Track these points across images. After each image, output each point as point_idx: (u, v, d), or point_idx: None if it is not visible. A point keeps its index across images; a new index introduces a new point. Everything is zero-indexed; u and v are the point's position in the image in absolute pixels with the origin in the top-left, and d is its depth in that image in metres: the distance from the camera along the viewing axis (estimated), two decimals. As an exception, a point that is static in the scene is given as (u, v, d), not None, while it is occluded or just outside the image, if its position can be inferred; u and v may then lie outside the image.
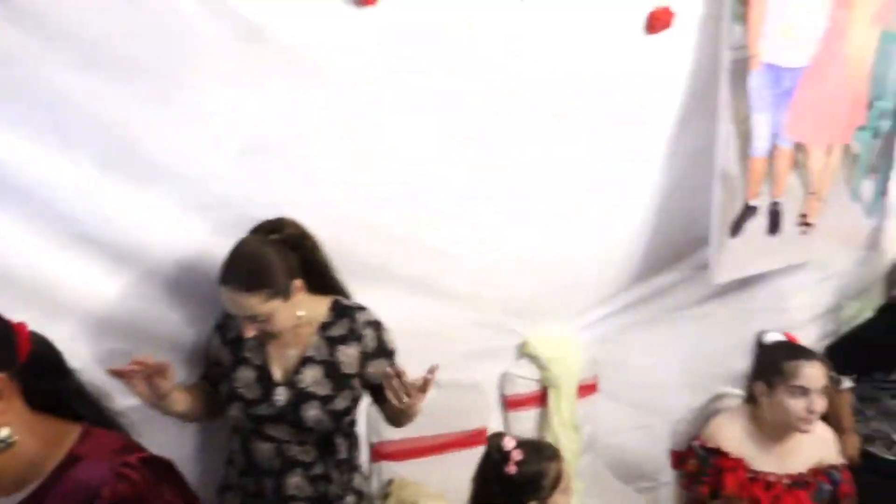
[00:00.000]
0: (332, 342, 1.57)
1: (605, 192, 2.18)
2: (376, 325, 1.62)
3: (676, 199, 2.29)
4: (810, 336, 2.69)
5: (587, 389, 2.44)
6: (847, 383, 2.19)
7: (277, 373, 1.57)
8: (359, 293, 1.69)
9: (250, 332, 1.48)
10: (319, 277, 1.59)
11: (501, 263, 2.10)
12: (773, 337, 1.94)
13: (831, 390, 2.08)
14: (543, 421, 2.37)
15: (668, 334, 2.49)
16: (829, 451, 1.91)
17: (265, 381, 1.56)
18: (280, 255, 1.47)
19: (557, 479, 1.56)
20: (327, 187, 1.70)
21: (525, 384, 2.34)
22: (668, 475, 2.34)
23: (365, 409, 2.07)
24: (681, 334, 2.51)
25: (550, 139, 2.01)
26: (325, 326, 1.58)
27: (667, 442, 2.22)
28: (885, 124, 2.59)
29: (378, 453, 2.14)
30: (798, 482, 1.85)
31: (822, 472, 1.87)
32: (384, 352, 1.62)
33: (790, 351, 1.89)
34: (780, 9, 2.14)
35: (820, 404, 1.79)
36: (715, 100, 2.12)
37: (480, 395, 2.25)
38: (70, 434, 1.00)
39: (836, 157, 2.47)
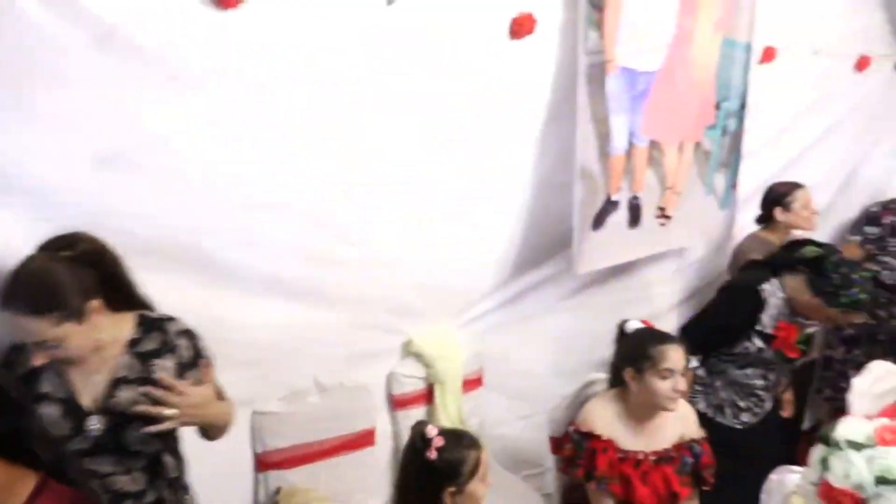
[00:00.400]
0: (145, 357, 1.47)
1: (479, 191, 2.26)
2: (190, 335, 1.53)
3: (545, 197, 2.40)
4: (672, 322, 2.91)
5: (472, 384, 2.51)
6: (693, 363, 2.33)
7: (86, 401, 1.43)
8: (231, 302, 1.67)
9: (39, 360, 1.35)
10: (121, 294, 1.47)
11: (381, 265, 2.13)
12: (633, 325, 2.07)
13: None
14: (431, 417, 2.41)
15: (543, 327, 2.61)
16: (690, 426, 2.05)
17: (74, 414, 1.41)
18: (72, 273, 1.34)
19: (476, 466, 1.66)
20: (192, 195, 1.67)
21: (411, 383, 2.37)
22: (551, 461, 2.46)
23: (248, 419, 2.05)
24: (554, 326, 2.64)
25: (424, 141, 2.07)
26: (133, 343, 1.47)
27: (547, 429, 2.32)
28: (732, 123, 2.84)
29: (263, 463, 2.11)
30: (663, 457, 1.97)
31: (684, 447, 2.01)
32: (200, 361, 1.53)
33: (655, 337, 2.01)
34: (631, 16, 2.30)
35: (683, 383, 1.93)
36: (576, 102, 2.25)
37: (367, 396, 2.26)
38: (26, 485, 0.90)
39: (688, 153, 2.69)
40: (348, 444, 2.22)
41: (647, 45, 2.39)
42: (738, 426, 2.39)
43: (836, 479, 1.24)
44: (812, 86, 3.24)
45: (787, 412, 2.64)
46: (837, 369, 3.43)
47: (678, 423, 2.02)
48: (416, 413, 2.41)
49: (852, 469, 1.22)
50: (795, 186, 2.90)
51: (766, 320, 2.24)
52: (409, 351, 2.36)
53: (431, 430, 1.66)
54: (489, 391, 2.57)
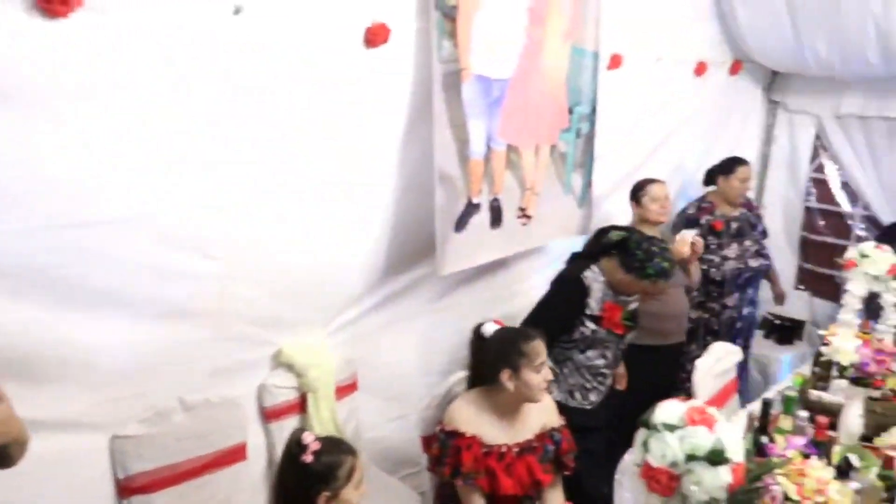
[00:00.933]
0: None
1: (343, 198, 2.27)
2: None
3: (409, 201, 2.45)
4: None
5: (346, 390, 2.53)
6: None
7: None
8: (75, 324, 1.59)
9: None
10: None
11: (244, 276, 2.09)
12: (490, 327, 2.16)
13: None
14: (305, 426, 2.40)
15: (413, 329, 2.67)
16: (551, 416, 2.17)
17: None
18: None
19: (351, 472, 1.72)
20: (26, 214, 1.57)
21: (283, 393, 2.35)
22: (426, 460, 2.50)
23: (108, 444, 1.96)
24: (424, 327, 2.71)
25: (285, 150, 2.06)
26: None
27: (419, 429, 2.37)
28: (585, 126, 3.02)
29: (126, 489, 2.02)
30: (526, 448, 2.07)
31: (546, 436, 2.12)
32: None
33: (523, 335, 2.11)
34: (483, 26, 2.40)
35: (549, 373, 2.05)
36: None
37: (236, 410, 2.22)
38: None
39: (545, 156, 2.83)
40: (218, 460, 2.16)
41: (498, 53, 2.50)
42: (588, 406, 2.59)
43: (654, 459, 1.36)
44: (656, 90, 3.49)
45: (621, 385, 2.86)
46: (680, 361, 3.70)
47: (540, 414, 2.13)
48: (290, 423, 2.39)
49: (667, 449, 1.34)
50: (648, 181, 3.12)
51: (593, 304, 2.47)
52: (279, 361, 2.34)
53: (308, 436, 1.72)
54: (364, 395, 2.59)
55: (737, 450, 1.35)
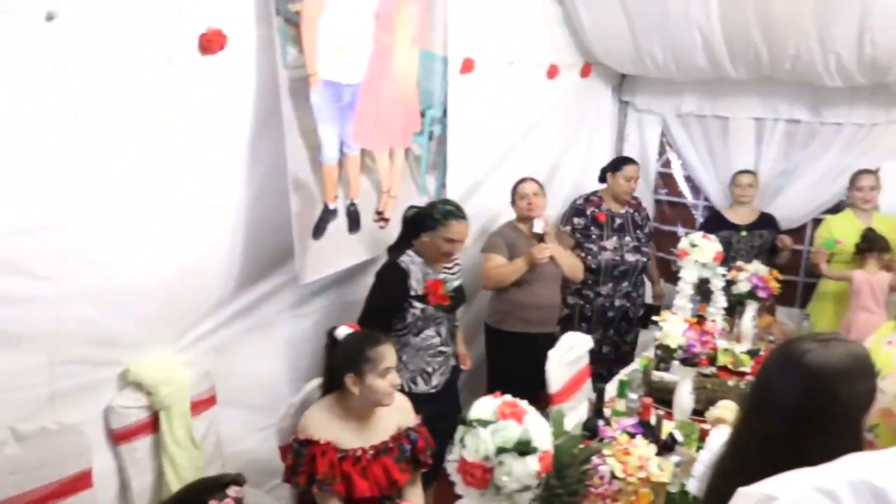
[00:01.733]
0: None
1: (190, 209, 2.21)
2: None
3: (263, 209, 2.42)
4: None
5: (204, 404, 2.46)
6: None
7: None
8: None
9: None
10: None
11: (81, 295, 1.99)
12: (343, 331, 2.17)
13: None
14: (158, 446, 2.32)
15: (273, 336, 2.65)
16: (407, 415, 2.21)
17: None
18: None
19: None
20: None
21: (133, 413, 2.25)
22: (285, 470, 2.49)
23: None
24: (284, 335, 2.69)
25: (120, 163, 1.98)
26: None
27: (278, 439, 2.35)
28: (437, 129, 3.09)
29: (-47, 530, 1.88)
30: (382, 450, 2.10)
31: (402, 436, 2.16)
32: None
33: (370, 339, 2.10)
34: (328, 31, 2.40)
35: (397, 378, 2.07)
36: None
37: (78, 436, 2.10)
38: None
39: (400, 159, 2.88)
40: (59, 491, 2.04)
41: (347, 59, 2.51)
42: (433, 390, 2.77)
43: (468, 454, 1.43)
44: (510, 93, 3.63)
45: (465, 365, 3.04)
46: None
47: (395, 415, 2.17)
48: (142, 444, 2.30)
49: (480, 444, 1.41)
50: (520, 181, 3.32)
51: (415, 284, 2.66)
52: (127, 381, 2.24)
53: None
54: (224, 408, 2.54)
55: (544, 439, 1.44)
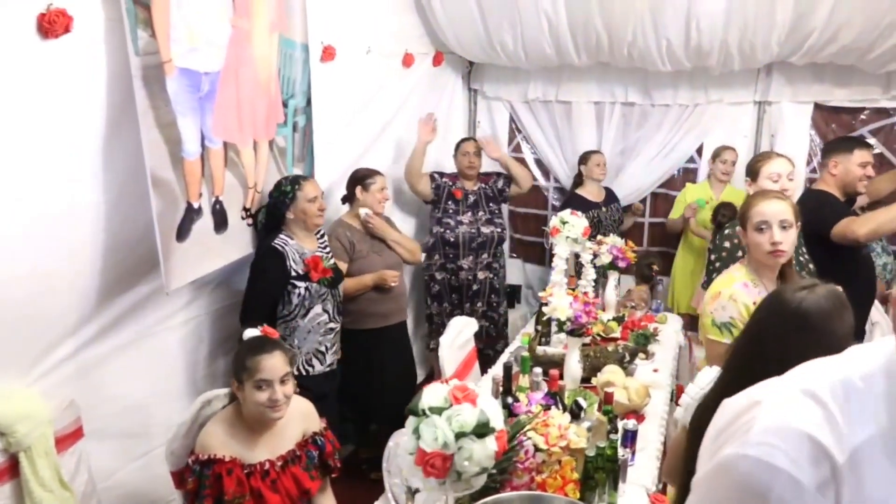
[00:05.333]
0: None
1: (36, 216, 1.92)
2: None
3: (122, 212, 2.17)
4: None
5: (70, 438, 2.16)
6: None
7: None
8: None
9: None
10: None
11: None
12: (249, 333, 2.02)
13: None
14: (23, 493, 2.01)
15: (146, 354, 2.38)
16: (311, 420, 2.09)
17: None
18: None
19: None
20: None
21: (-16, 460, 1.94)
22: (179, 496, 2.26)
23: None
24: (158, 351, 2.44)
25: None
26: None
27: (168, 463, 2.13)
28: (301, 119, 2.96)
29: None
30: (289, 459, 1.98)
31: (308, 442, 2.05)
32: None
33: (253, 346, 1.96)
34: (184, 15, 2.19)
35: (280, 392, 1.89)
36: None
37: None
38: None
39: (264, 152, 2.71)
40: None
41: (203, 44, 2.31)
42: (328, 369, 2.80)
43: (426, 444, 1.37)
44: (369, 82, 3.57)
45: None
46: (437, 322, 3.99)
47: (299, 422, 2.05)
48: (1, 493, 1.98)
49: (437, 431, 1.37)
50: (373, 173, 3.23)
51: (294, 265, 2.65)
52: (-29, 423, 1.91)
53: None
54: (94, 441, 2.24)
55: (498, 418, 1.42)
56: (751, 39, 3.53)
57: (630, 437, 2.13)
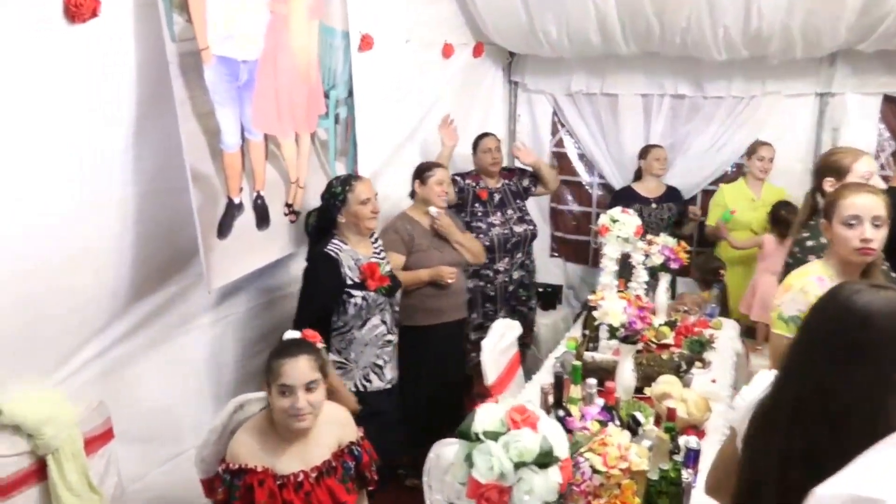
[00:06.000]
0: None
1: (63, 210, 1.82)
2: None
3: (156, 206, 2.08)
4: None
5: (99, 440, 2.08)
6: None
7: None
8: None
9: None
10: None
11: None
12: (287, 334, 1.91)
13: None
14: (48, 497, 1.93)
15: (180, 352, 2.29)
16: (347, 430, 1.97)
17: None
18: None
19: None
20: None
21: (12, 463, 1.85)
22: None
23: None
24: (189, 350, 2.34)
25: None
26: None
27: (197, 470, 2.03)
28: (343, 111, 2.83)
29: None
30: (324, 471, 1.86)
31: (344, 452, 1.93)
32: None
33: (280, 350, 1.86)
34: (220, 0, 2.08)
35: (304, 399, 1.78)
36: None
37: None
38: None
39: (306, 145, 2.60)
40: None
41: (241, 31, 2.20)
42: (388, 386, 2.60)
43: (480, 474, 1.22)
44: (407, 73, 3.43)
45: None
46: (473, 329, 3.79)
47: (335, 430, 1.93)
48: (27, 498, 1.90)
49: (493, 460, 1.21)
50: (436, 165, 3.13)
51: (349, 272, 2.46)
52: (1, 424, 1.83)
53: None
54: (123, 442, 2.16)
55: (563, 445, 1.27)
56: (816, 25, 3.30)
57: (692, 457, 1.97)
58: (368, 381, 2.55)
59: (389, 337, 2.60)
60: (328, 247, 2.46)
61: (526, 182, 3.87)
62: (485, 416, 1.26)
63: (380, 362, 2.57)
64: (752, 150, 3.83)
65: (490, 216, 3.71)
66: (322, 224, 2.53)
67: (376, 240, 2.68)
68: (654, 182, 3.99)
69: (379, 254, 2.65)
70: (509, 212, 3.75)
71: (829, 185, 2.39)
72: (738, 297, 3.79)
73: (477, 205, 3.72)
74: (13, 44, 1.60)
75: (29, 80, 1.66)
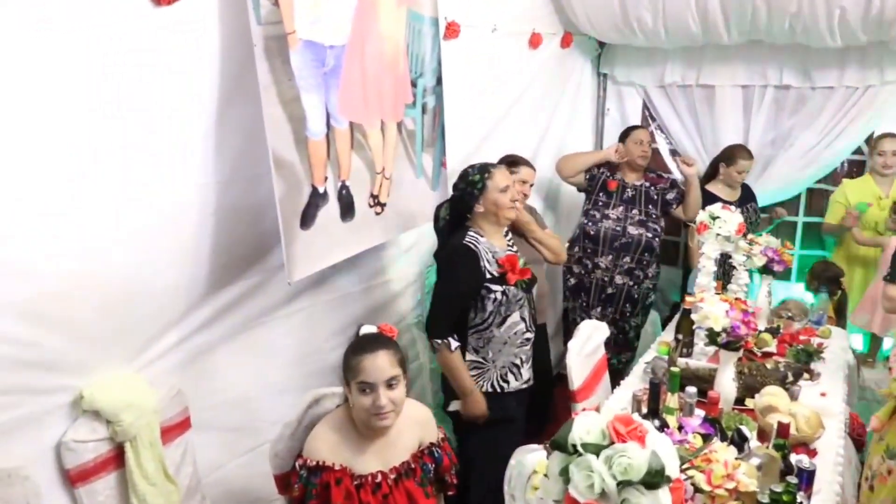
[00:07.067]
0: None
1: (142, 197, 1.80)
2: None
3: (237, 194, 2.04)
4: (407, 304, 2.73)
5: (176, 429, 2.07)
6: (455, 343, 2.30)
7: None
8: None
9: None
10: None
11: (7, 310, 1.57)
12: (366, 329, 1.83)
13: (444, 356, 2.27)
14: (125, 484, 1.92)
15: (254, 344, 2.25)
16: (428, 430, 1.89)
17: None
18: None
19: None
20: None
21: (91, 448, 1.84)
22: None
23: None
24: (266, 341, 2.29)
25: (56, 140, 1.57)
26: None
27: (272, 464, 1.98)
28: (432, 100, 2.74)
29: None
30: (403, 472, 1.78)
31: (424, 454, 1.84)
32: None
33: (359, 346, 1.78)
34: (307, -19, 2.03)
35: (386, 396, 1.70)
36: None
37: (22, 481, 1.69)
38: None
39: (392, 134, 2.51)
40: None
41: (327, 14, 2.14)
42: (525, 386, 2.45)
43: (578, 493, 1.08)
44: (494, 62, 3.31)
45: None
46: (571, 318, 3.73)
47: (415, 430, 1.84)
48: (105, 484, 1.90)
49: (594, 477, 1.07)
50: (521, 161, 2.99)
51: (488, 266, 2.32)
52: (81, 409, 1.83)
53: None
54: (200, 432, 2.14)
55: (674, 463, 1.11)
56: (948, 7, 2.98)
57: (805, 479, 1.77)
58: (505, 381, 2.40)
59: (528, 335, 2.44)
60: (465, 239, 2.33)
61: (670, 196, 3.66)
62: (583, 426, 1.12)
63: (517, 361, 2.42)
64: (873, 145, 3.51)
65: (609, 208, 3.61)
66: (455, 216, 2.42)
67: (507, 232, 2.52)
68: (729, 187, 3.76)
69: (512, 247, 2.49)
70: (633, 211, 3.60)
71: None
72: (853, 304, 3.48)
73: (601, 193, 3.64)
74: (93, 28, 1.58)
75: (110, 67, 1.63)
